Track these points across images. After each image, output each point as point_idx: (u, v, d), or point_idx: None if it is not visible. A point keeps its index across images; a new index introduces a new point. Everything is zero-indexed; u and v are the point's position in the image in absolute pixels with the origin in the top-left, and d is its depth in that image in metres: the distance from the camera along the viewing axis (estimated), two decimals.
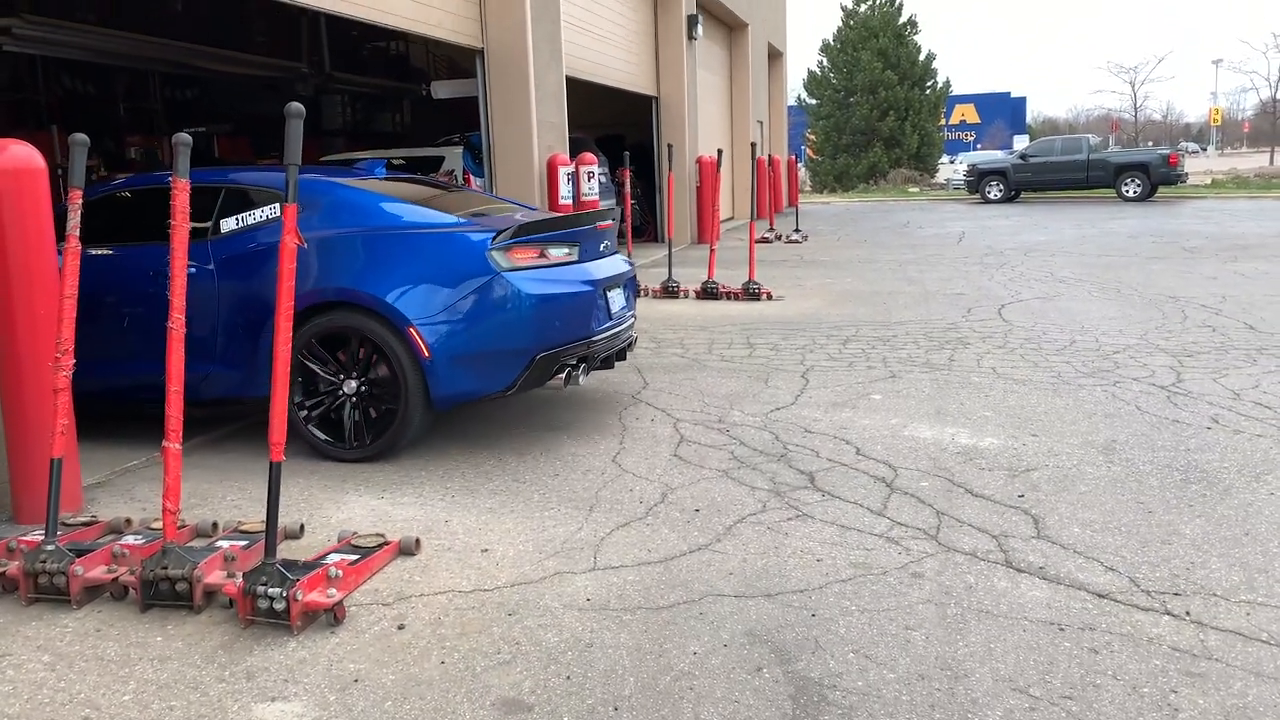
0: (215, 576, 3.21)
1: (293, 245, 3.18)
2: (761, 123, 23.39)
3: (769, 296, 9.74)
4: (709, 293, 9.96)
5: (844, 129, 35.95)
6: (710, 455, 4.60)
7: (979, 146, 48.20)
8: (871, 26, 35.49)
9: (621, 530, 3.72)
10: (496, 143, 10.43)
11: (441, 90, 13.09)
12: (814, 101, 37.71)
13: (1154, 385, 5.60)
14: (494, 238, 4.60)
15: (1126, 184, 23.46)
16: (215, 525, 3.79)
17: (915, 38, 35.93)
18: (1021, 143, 36.88)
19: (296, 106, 3.15)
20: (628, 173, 12.00)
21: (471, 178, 11.76)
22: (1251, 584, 3.08)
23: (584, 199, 10.94)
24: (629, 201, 12.11)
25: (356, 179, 5.27)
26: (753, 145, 12.34)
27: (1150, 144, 40.08)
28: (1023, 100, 60.08)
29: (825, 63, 37.16)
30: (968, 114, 54.98)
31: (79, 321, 4.68)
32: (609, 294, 5.04)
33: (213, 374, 4.82)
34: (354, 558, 3.38)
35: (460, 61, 12.37)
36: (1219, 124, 50.92)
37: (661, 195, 15.44)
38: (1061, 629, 2.84)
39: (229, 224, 4.90)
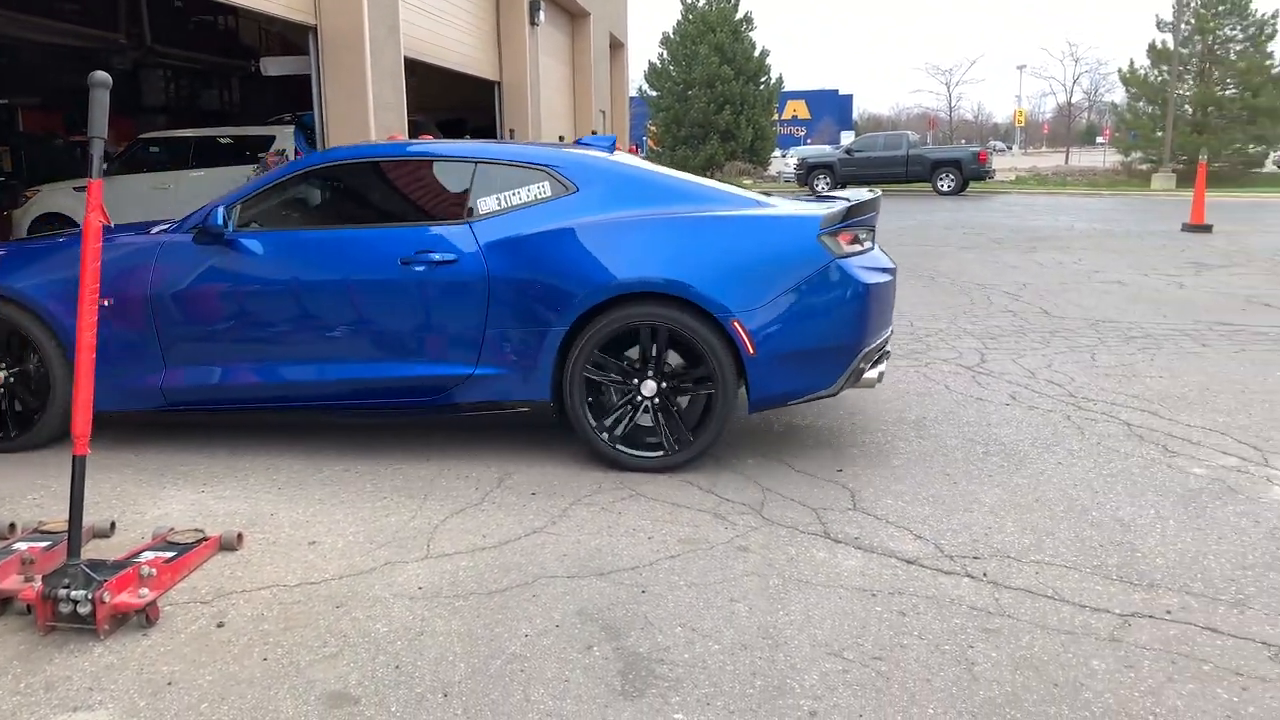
0: (10, 582, 2.98)
1: (97, 224, 2.99)
2: (604, 112, 23.49)
3: None
4: None
5: (683, 121, 36.47)
6: (547, 437, 4.61)
7: (809, 141, 50.08)
8: (710, 21, 36.11)
9: (457, 517, 3.69)
10: (331, 123, 10.08)
11: (272, 67, 12.53)
12: (655, 93, 38.09)
13: (961, 366, 5.99)
14: (823, 220, 4.10)
15: (941, 179, 25.17)
16: (13, 526, 3.52)
17: (751, 34, 36.84)
18: (848, 138, 38.52)
19: (101, 75, 2.96)
20: None
21: None
22: (1040, 545, 3.36)
23: None
24: None
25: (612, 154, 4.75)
26: (593, 133, 12.37)
27: (963, 141, 42.87)
28: (849, 98, 62.73)
29: (665, 55, 37.60)
30: (799, 110, 56.98)
31: (291, 317, 4.27)
32: None
33: (475, 376, 4.21)
34: (170, 555, 3.22)
35: (294, 38, 11.85)
36: (1023, 125, 54.75)
37: None
38: (874, 594, 3.02)
39: (488, 204, 4.28)
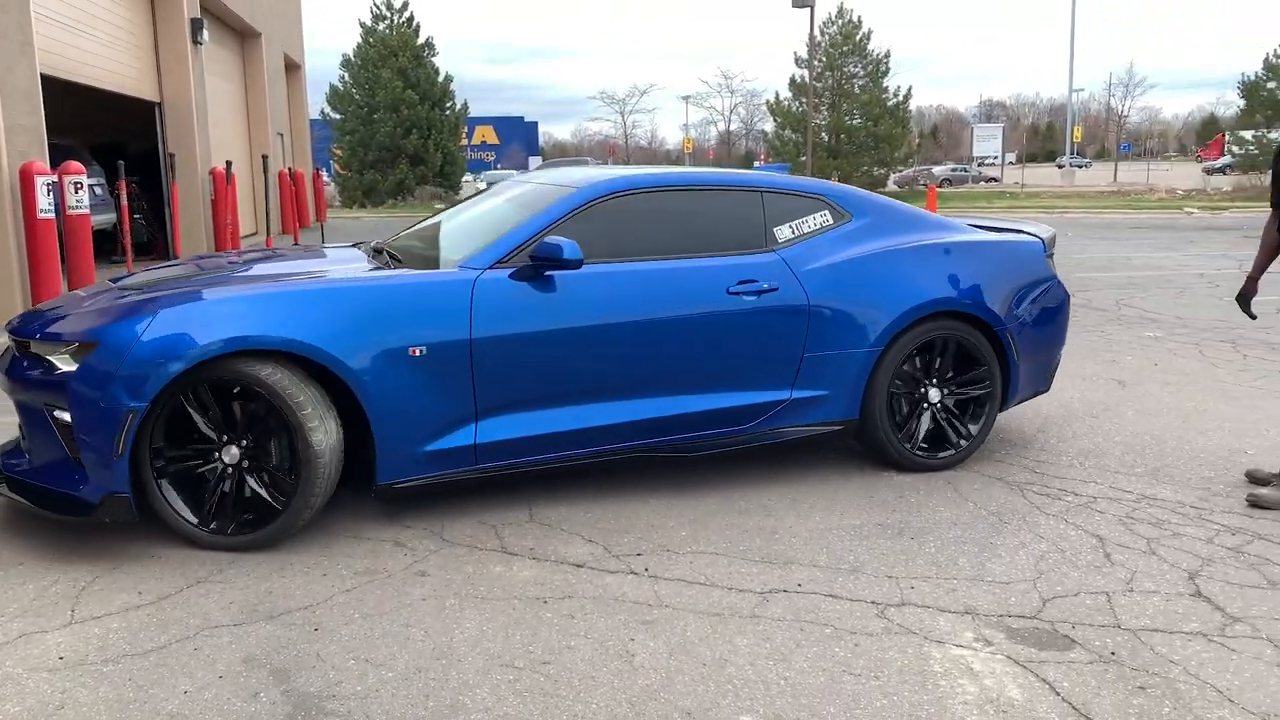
0: None
1: None
2: (282, 135, 22.42)
3: None
4: None
5: (370, 145, 35.64)
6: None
7: (499, 166, 50.73)
8: (391, 45, 35.59)
9: (109, 575, 3.40)
10: None
11: None
12: (338, 116, 36.95)
13: None
14: (1046, 243, 4.87)
15: None
16: None
17: (434, 60, 36.76)
18: (535, 163, 39.55)
19: None
20: (124, 184, 10.85)
21: None
22: (696, 537, 3.67)
23: (70, 212, 9.71)
24: (127, 215, 10.97)
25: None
26: (264, 157, 11.83)
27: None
28: (535, 124, 64.35)
29: (347, 78, 36.60)
30: (488, 135, 57.58)
31: (620, 355, 3.96)
32: None
33: (792, 400, 4.26)
34: None
35: None
36: (691, 151, 58.46)
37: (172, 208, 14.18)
38: (545, 601, 3.16)
39: (784, 232, 4.37)
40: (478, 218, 4.67)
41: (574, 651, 2.84)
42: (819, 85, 36.25)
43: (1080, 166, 57.20)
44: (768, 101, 38.37)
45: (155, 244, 14.87)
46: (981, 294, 4.47)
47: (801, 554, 3.52)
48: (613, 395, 3.99)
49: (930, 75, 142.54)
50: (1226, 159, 38.83)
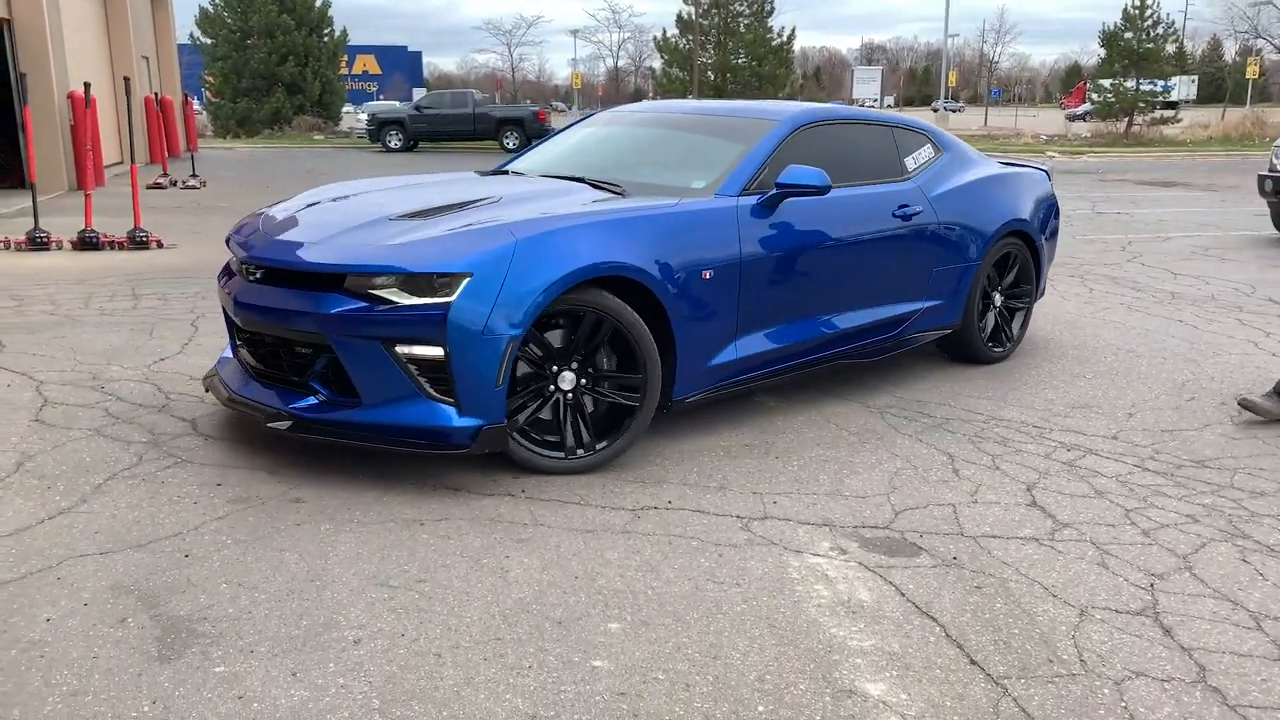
0: None
1: None
2: (147, 58, 21.15)
3: (159, 244, 9.13)
4: (88, 243, 8.98)
5: (243, 72, 33.94)
6: (80, 415, 4.23)
7: (382, 97, 49.07)
8: None
9: None
10: None
11: None
12: (209, 41, 35.00)
13: None
14: (1049, 172, 5.88)
15: (507, 136, 26.67)
16: None
17: None
18: (421, 95, 38.57)
19: None
20: None
21: None
22: None
23: None
24: None
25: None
26: (126, 80, 11.19)
27: (528, 101, 44.47)
28: (419, 55, 62.41)
29: (218, 1, 34.64)
30: (369, 65, 55.56)
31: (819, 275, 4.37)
32: None
33: (923, 309, 4.88)
34: None
35: None
36: (580, 87, 57.53)
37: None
38: (422, 524, 3.21)
39: (910, 163, 4.99)
40: (646, 145, 4.91)
41: (449, 569, 2.91)
42: (705, 23, 36.20)
43: (954, 110, 58.88)
44: (655, 38, 38.20)
45: (10, 171, 13.94)
46: (1029, 214, 5.37)
47: (673, 474, 3.65)
48: (819, 309, 4.41)
49: (814, 17, 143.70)
50: (1087, 106, 40.47)
